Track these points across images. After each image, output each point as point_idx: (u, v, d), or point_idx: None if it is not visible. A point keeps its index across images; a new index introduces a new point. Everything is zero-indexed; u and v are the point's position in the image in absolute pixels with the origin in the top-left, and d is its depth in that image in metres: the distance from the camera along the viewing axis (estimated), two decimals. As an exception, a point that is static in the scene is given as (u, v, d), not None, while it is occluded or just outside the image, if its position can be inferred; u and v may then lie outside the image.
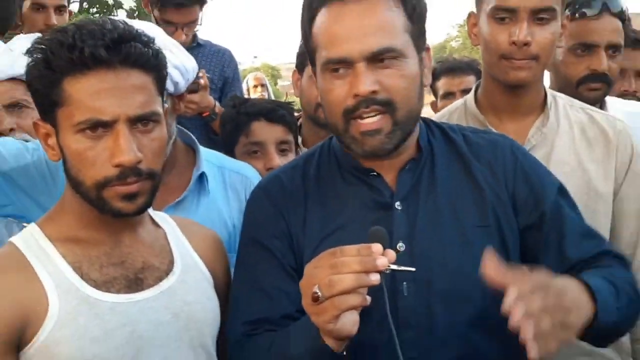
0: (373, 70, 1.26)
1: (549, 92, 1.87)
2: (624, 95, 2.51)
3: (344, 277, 1.05)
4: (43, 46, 1.22)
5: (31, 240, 1.28)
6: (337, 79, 1.30)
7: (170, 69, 1.64)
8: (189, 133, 1.92)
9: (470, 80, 3.14)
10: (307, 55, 2.27)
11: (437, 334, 1.29)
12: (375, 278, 1.05)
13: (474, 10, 1.83)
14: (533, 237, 1.40)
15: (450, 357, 1.30)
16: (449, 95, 3.14)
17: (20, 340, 1.19)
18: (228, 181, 1.83)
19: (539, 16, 1.69)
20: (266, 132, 2.08)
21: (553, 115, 1.83)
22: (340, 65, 1.28)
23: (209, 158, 1.84)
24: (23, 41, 2.13)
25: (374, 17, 1.28)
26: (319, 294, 1.06)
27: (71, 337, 1.19)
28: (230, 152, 2.14)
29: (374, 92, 1.26)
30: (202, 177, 1.76)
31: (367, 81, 1.25)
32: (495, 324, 1.28)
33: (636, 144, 1.83)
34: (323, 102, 1.37)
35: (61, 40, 1.19)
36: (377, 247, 1.07)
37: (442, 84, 3.24)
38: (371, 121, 1.28)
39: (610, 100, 2.20)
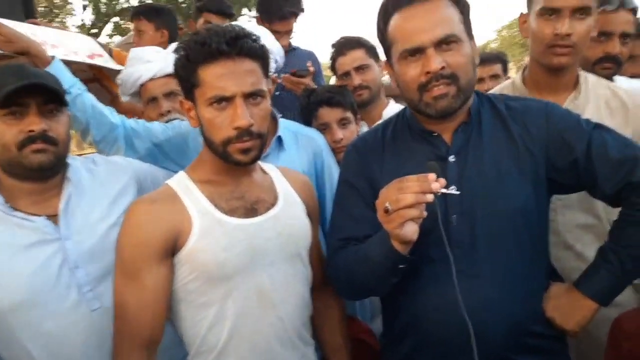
0: (440, 53, 1.28)
1: (581, 72, 1.79)
2: (634, 76, 2.34)
3: (408, 196, 1.11)
4: (184, 45, 1.31)
5: (180, 182, 1.38)
6: (412, 62, 1.31)
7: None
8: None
9: (497, 68, 3.03)
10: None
11: (478, 251, 1.31)
12: (430, 197, 1.11)
13: (524, 10, 1.78)
14: (574, 177, 1.37)
15: (488, 268, 1.31)
16: (480, 81, 3.01)
17: (174, 248, 1.29)
18: (300, 142, 1.91)
19: (579, 13, 1.63)
20: (328, 115, 2.12)
21: (584, 91, 1.75)
22: (414, 52, 1.30)
23: (287, 126, 1.92)
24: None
25: (437, 13, 1.29)
26: (389, 207, 1.13)
27: (208, 246, 1.28)
28: None
29: (442, 68, 1.27)
30: (280, 139, 1.84)
31: (436, 61, 1.27)
32: (522, 246, 1.34)
33: None
34: (400, 82, 1.37)
35: (195, 40, 1.27)
36: (432, 176, 1.12)
37: None
38: (441, 88, 1.29)
39: (617, 78, 2.09)
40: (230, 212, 1.34)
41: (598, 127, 1.37)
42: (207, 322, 1.32)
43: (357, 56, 2.43)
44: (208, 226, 1.30)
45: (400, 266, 1.24)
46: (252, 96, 1.29)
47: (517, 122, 1.38)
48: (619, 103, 1.73)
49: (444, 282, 1.27)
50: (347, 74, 2.45)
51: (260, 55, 1.31)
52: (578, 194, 1.64)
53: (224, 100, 1.27)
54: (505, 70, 3.09)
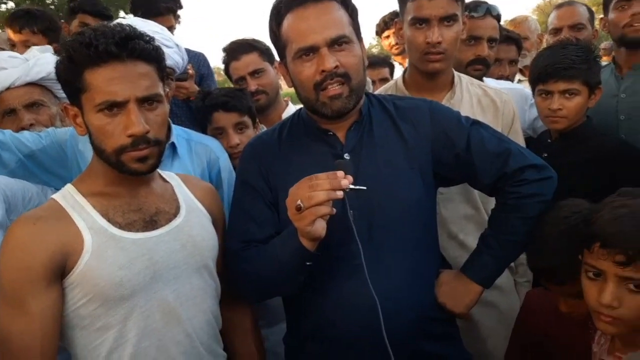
0: (333, 53, 1.37)
1: (456, 73, 2.00)
2: (500, 78, 2.71)
3: (319, 193, 1.19)
4: (67, 46, 1.24)
5: (68, 196, 1.31)
6: (306, 62, 1.39)
7: (172, 53, 1.81)
8: None
9: (385, 72, 3.26)
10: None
11: (377, 244, 1.40)
12: (339, 193, 1.21)
13: (399, 18, 1.94)
14: (456, 170, 1.53)
15: (386, 260, 1.41)
16: (371, 84, 3.21)
17: (63, 270, 1.23)
18: (194, 149, 1.91)
19: (446, 21, 1.80)
20: (224, 119, 2.14)
21: (458, 90, 1.96)
22: (308, 52, 1.37)
23: (180, 133, 1.91)
24: (35, 52, 2.13)
25: (328, 15, 1.39)
26: (301, 205, 1.20)
27: (102, 265, 1.23)
28: (204, 133, 2.20)
29: (336, 67, 1.36)
30: (173, 145, 1.82)
31: (330, 60, 1.36)
32: (417, 237, 1.47)
33: (516, 110, 2.00)
34: (296, 82, 1.45)
35: (80, 41, 1.22)
36: (340, 173, 1.22)
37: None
38: (335, 88, 1.38)
39: (486, 80, 2.38)
40: (127, 226, 1.31)
41: (475, 123, 1.56)
42: (105, 348, 1.26)
43: (251, 60, 2.46)
44: (101, 243, 1.26)
45: (308, 263, 1.32)
46: (147, 101, 1.26)
47: (405, 120, 1.52)
48: (489, 101, 1.98)
49: (346, 277, 1.38)
50: (242, 79, 2.47)
51: (154, 57, 1.29)
52: (458, 187, 1.86)
53: (115, 106, 1.23)
54: (391, 74, 3.33)
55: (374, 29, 3.65)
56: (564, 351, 1.49)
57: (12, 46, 2.76)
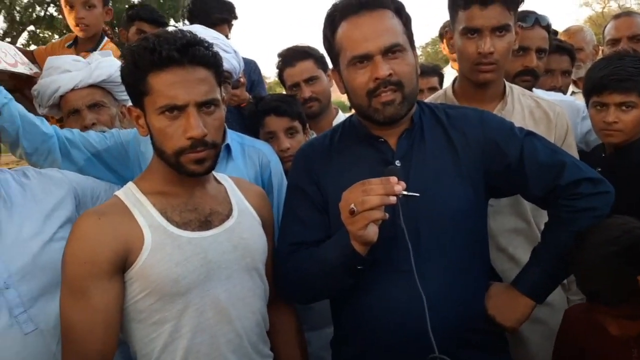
0: (387, 61, 1.39)
1: (507, 84, 1.97)
2: (552, 89, 2.63)
3: (373, 198, 1.21)
4: (132, 51, 1.30)
5: (129, 193, 1.37)
6: (360, 69, 1.41)
7: (230, 58, 1.90)
8: None
9: (434, 81, 3.23)
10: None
11: (423, 252, 1.38)
12: (393, 199, 1.22)
13: (450, 27, 1.93)
14: (507, 180, 1.52)
15: (431, 267, 1.40)
16: (419, 92, 3.22)
17: (124, 264, 1.28)
18: (247, 152, 1.95)
19: (498, 31, 1.79)
20: (275, 123, 2.20)
21: (510, 102, 1.93)
22: (363, 59, 1.40)
23: (233, 137, 1.96)
24: (97, 56, 2.24)
25: (383, 23, 1.41)
26: (355, 209, 1.22)
27: (161, 262, 1.28)
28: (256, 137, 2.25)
29: (389, 75, 1.38)
30: (228, 147, 1.87)
31: (384, 68, 1.38)
32: (464, 247, 1.46)
33: (569, 123, 1.95)
34: (349, 88, 1.48)
35: (144, 46, 1.28)
36: (394, 179, 1.23)
37: None
38: (388, 94, 1.40)
39: (536, 91, 2.31)
40: (184, 225, 1.36)
41: (529, 134, 1.54)
42: (161, 341, 1.31)
43: (306, 67, 2.51)
44: (160, 241, 1.31)
45: (359, 267, 1.33)
46: (205, 105, 1.31)
47: (456, 129, 1.52)
48: (542, 113, 1.94)
49: (394, 283, 1.39)
50: (296, 85, 2.52)
51: (213, 63, 1.34)
52: (508, 200, 1.82)
53: (175, 109, 1.28)
54: (441, 83, 3.32)
55: (420, 38, 3.62)
56: None
57: (71, 7, 2.82)
